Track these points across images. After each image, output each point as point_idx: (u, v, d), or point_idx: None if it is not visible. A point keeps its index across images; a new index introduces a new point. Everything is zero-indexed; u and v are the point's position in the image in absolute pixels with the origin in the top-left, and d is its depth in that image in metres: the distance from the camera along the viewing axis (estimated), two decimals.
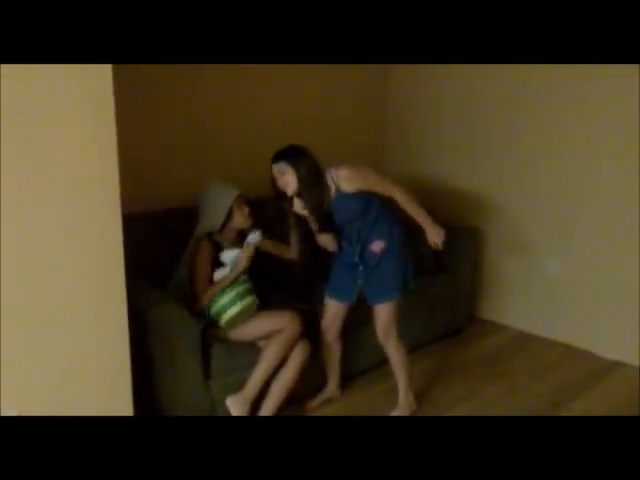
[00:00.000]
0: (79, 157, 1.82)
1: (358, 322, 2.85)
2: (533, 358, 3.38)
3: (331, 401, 2.88)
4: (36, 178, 1.75)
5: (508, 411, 2.80)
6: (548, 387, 3.04)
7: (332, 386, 2.90)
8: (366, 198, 2.49)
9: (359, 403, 2.89)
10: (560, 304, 3.52)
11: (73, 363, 1.93)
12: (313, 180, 2.44)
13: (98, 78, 1.81)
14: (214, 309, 2.50)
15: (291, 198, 2.50)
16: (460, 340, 3.61)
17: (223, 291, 2.49)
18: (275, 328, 2.48)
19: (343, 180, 2.44)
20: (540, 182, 3.50)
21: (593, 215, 3.30)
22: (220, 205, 2.56)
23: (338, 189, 2.46)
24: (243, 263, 2.53)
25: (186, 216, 2.64)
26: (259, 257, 2.62)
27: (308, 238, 2.61)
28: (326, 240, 2.59)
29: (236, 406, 2.42)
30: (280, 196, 2.51)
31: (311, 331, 2.62)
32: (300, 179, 2.43)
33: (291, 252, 2.74)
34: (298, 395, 2.65)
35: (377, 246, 2.54)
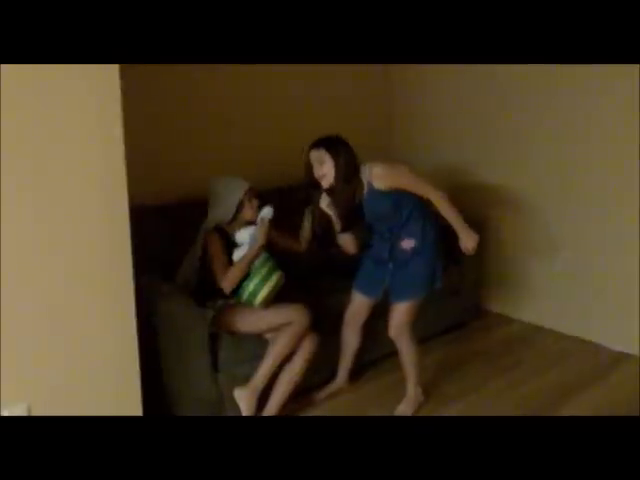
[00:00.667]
0: (86, 151, 1.83)
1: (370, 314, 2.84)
2: (540, 350, 3.37)
3: (339, 393, 2.88)
4: (43, 174, 1.76)
5: (515, 404, 2.79)
6: (553, 380, 3.03)
7: (341, 378, 2.89)
8: (399, 196, 2.46)
9: (367, 395, 2.90)
10: (568, 297, 3.50)
11: (80, 358, 1.94)
12: (349, 175, 2.40)
13: (105, 75, 1.82)
14: (245, 297, 2.48)
15: (321, 191, 2.46)
16: (467, 332, 3.60)
17: (248, 276, 2.47)
18: (284, 321, 2.48)
19: (376, 177, 2.40)
20: (550, 175, 3.47)
21: (602, 209, 3.27)
22: (231, 198, 2.56)
23: (371, 185, 2.42)
24: (260, 239, 2.51)
25: (195, 209, 2.64)
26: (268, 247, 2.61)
27: (321, 233, 2.58)
28: (347, 240, 2.56)
29: (244, 398, 2.43)
30: (312, 184, 2.47)
31: (319, 324, 2.62)
32: (338, 172, 2.39)
33: (299, 244, 2.72)
34: (306, 387, 2.65)
35: (408, 244, 2.51)
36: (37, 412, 1.84)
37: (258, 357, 2.49)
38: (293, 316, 2.48)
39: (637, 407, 2.70)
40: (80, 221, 1.86)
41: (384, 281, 2.61)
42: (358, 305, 2.74)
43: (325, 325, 2.68)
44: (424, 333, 3.29)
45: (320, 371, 2.73)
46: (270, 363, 2.47)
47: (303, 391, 2.65)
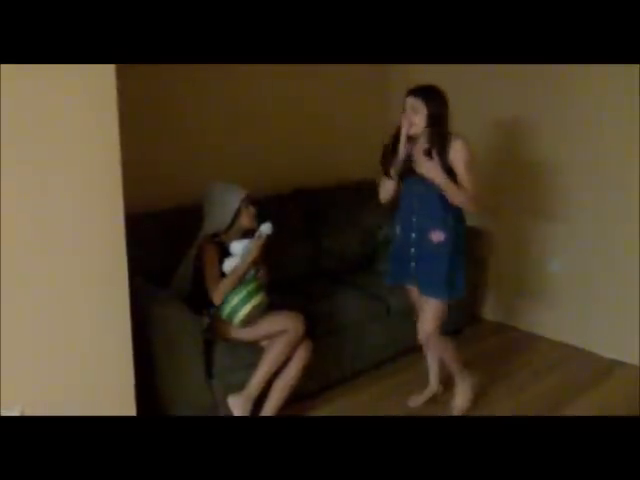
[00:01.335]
0: (82, 155, 1.83)
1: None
2: (534, 358, 3.38)
3: (434, 399, 2.86)
4: (38, 177, 1.76)
5: (510, 412, 2.79)
6: (549, 387, 3.04)
7: (433, 384, 2.87)
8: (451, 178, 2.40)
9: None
10: (562, 305, 3.51)
11: (75, 362, 1.94)
12: (436, 132, 2.38)
13: (101, 78, 1.81)
14: (226, 311, 2.46)
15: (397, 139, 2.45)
16: (462, 340, 3.59)
17: (234, 291, 2.46)
18: (279, 329, 2.48)
19: (453, 147, 2.39)
20: (543, 182, 3.49)
21: (597, 217, 3.29)
22: (228, 206, 2.55)
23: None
24: (254, 253, 2.51)
25: (190, 215, 2.64)
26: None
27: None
28: (389, 187, 2.54)
29: (238, 405, 2.42)
30: (397, 132, 2.47)
31: (310, 329, 2.61)
32: (428, 123, 2.38)
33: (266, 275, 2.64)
34: (300, 394, 2.65)
35: (437, 236, 2.48)
36: (31, 413, 1.83)
37: (253, 364, 2.48)
38: (288, 324, 2.48)
39: (630, 413, 2.71)
40: (75, 226, 1.86)
41: (412, 268, 2.56)
42: (416, 298, 2.66)
43: (316, 331, 2.68)
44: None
45: (314, 377, 2.73)
46: (265, 370, 2.46)
47: (297, 398, 2.64)
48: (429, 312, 2.55)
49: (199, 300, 2.51)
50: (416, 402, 2.84)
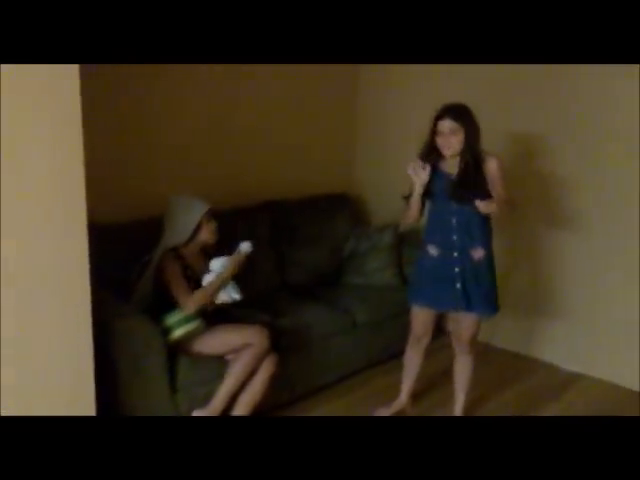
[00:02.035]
0: (44, 162, 1.79)
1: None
2: (495, 370, 3.40)
3: (401, 413, 2.87)
4: None
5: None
6: (511, 399, 3.09)
7: (404, 399, 2.88)
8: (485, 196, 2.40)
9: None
10: (522, 317, 3.57)
11: (35, 372, 1.90)
12: (472, 154, 2.39)
13: (65, 79, 1.77)
14: (164, 324, 2.46)
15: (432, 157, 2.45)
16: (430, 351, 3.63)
17: (174, 309, 2.47)
18: (244, 342, 2.48)
19: (488, 166, 2.40)
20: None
21: (557, 230, 3.36)
22: (189, 219, 2.55)
23: None
24: (231, 270, 2.52)
25: (153, 228, 2.62)
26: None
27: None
28: (414, 207, 2.52)
29: None
30: (430, 152, 2.46)
31: (277, 344, 2.61)
32: (467, 143, 2.39)
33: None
34: (265, 408, 2.64)
35: (477, 253, 2.49)
36: None
37: (218, 378, 2.47)
38: (253, 337, 2.48)
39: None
40: (37, 237, 1.82)
41: (457, 290, 2.51)
42: (424, 321, 2.68)
43: (282, 344, 2.68)
44: (389, 351, 3.32)
45: (279, 391, 2.73)
46: (231, 384, 2.46)
47: (263, 412, 2.64)
48: (473, 327, 2.61)
49: (159, 312, 2.49)
50: (383, 415, 2.85)
